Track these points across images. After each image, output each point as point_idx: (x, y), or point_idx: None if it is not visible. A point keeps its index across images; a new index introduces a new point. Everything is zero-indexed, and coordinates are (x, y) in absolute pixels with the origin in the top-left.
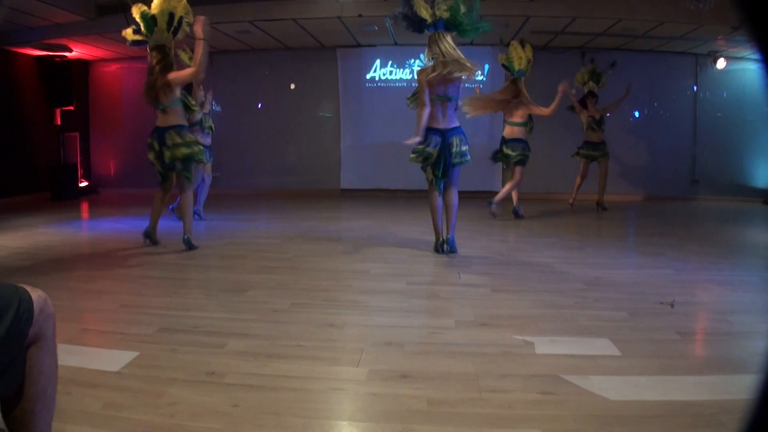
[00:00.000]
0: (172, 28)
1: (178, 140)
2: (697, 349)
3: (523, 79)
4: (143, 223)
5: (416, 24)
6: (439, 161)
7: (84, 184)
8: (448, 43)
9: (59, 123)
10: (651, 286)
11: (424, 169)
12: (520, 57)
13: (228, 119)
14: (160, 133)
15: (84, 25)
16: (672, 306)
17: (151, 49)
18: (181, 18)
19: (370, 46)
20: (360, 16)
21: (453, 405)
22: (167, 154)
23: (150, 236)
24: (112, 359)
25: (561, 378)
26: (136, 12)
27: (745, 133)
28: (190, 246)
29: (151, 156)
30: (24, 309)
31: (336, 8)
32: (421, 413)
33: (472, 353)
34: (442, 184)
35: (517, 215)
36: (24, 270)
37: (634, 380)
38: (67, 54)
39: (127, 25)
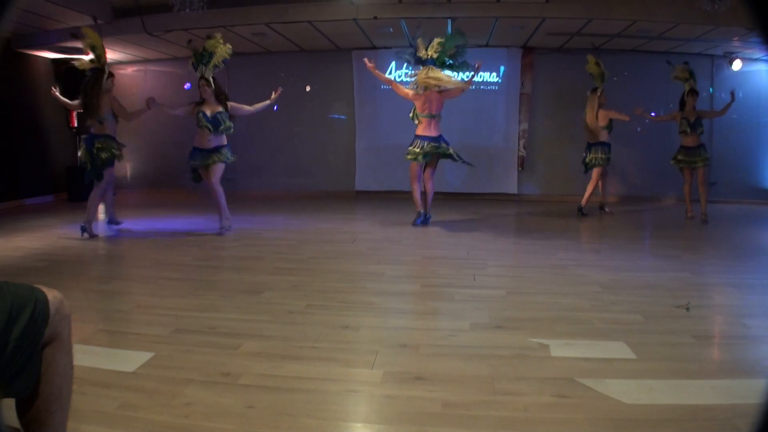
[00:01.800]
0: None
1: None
2: (712, 352)
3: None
4: (160, 224)
5: (415, 60)
6: (427, 155)
7: None
8: (432, 74)
9: (75, 125)
10: (667, 289)
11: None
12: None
13: (243, 121)
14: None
15: (100, 28)
16: (687, 309)
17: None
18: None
19: (385, 48)
20: (375, 18)
21: (468, 407)
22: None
23: (86, 229)
24: (128, 360)
25: (576, 381)
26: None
27: (762, 135)
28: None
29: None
30: (40, 309)
31: (351, 10)
32: (435, 415)
33: (487, 356)
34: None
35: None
36: (40, 270)
37: (649, 384)
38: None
39: (144, 29)
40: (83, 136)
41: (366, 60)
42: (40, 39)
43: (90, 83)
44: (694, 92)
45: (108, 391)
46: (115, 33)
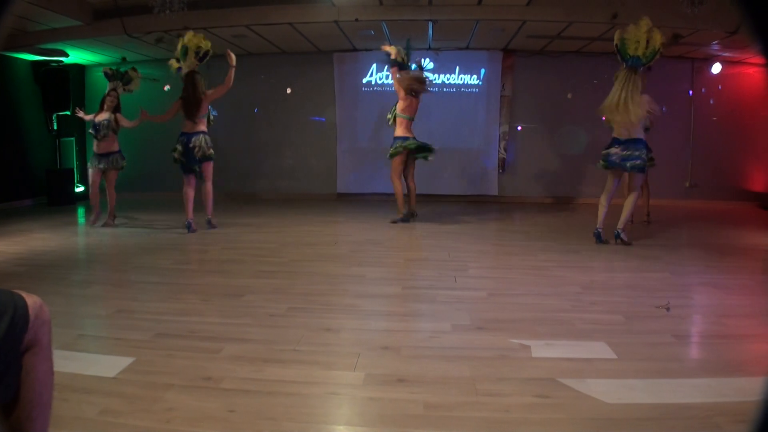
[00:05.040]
0: (198, 57)
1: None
2: (692, 352)
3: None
4: (139, 228)
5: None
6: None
7: (80, 189)
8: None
9: (55, 128)
10: (647, 290)
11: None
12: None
13: (224, 124)
14: (188, 137)
15: (80, 29)
16: (668, 309)
17: (187, 74)
18: (207, 51)
19: (366, 50)
20: (356, 20)
21: (450, 409)
22: (198, 153)
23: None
24: (109, 365)
25: (557, 381)
26: (181, 43)
27: (740, 137)
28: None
29: (176, 154)
30: (19, 315)
31: (332, 12)
32: (417, 417)
33: (468, 357)
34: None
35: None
36: (20, 276)
37: (630, 383)
38: (63, 59)
39: (124, 31)
40: (180, 135)
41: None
42: (21, 40)
43: (192, 84)
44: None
45: (89, 397)
46: (94, 34)
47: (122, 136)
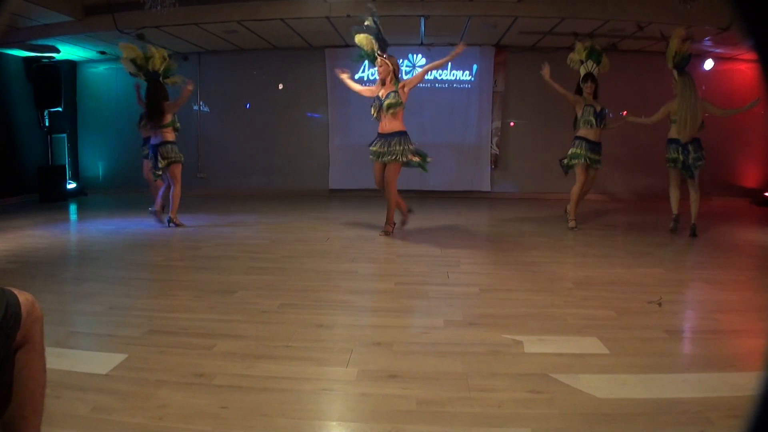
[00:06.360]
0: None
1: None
2: (684, 347)
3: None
4: (131, 225)
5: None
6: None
7: (72, 185)
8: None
9: (47, 124)
10: (639, 285)
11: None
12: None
13: (216, 119)
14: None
15: (71, 25)
16: (660, 305)
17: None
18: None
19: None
20: (348, 16)
21: (442, 404)
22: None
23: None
24: (101, 362)
25: (550, 377)
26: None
27: (732, 133)
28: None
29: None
30: (11, 312)
31: (324, 8)
32: (410, 413)
33: (461, 353)
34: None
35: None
36: (11, 273)
37: (623, 378)
38: (54, 55)
39: (115, 27)
40: (150, 144)
41: (337, 71)
42: (11, 36)
43: (151, 91)
44: (592, 78)
45: (81, 394)
46: (86, 30)
47: (115, 134)
